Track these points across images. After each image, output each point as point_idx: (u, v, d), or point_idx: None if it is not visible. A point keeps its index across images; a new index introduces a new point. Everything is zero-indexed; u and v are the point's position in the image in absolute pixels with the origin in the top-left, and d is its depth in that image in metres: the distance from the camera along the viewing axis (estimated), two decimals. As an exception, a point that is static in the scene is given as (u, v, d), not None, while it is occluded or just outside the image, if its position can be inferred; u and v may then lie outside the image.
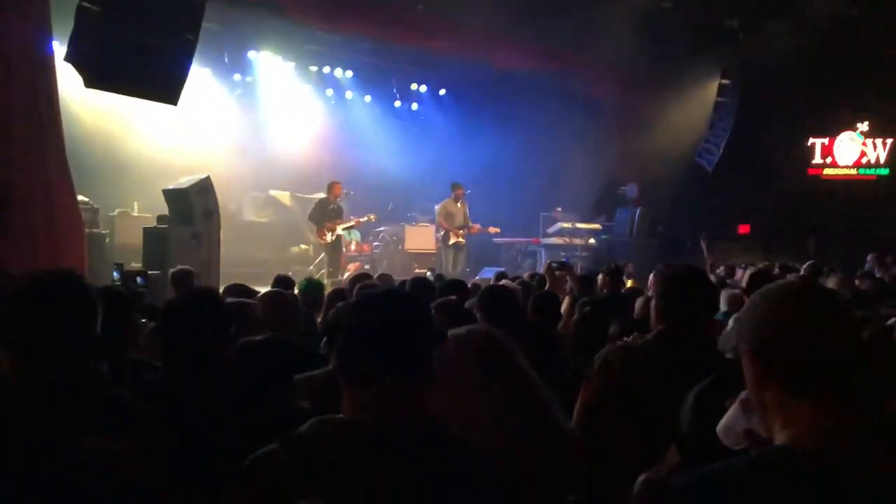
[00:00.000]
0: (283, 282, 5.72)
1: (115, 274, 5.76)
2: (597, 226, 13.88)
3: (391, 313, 1.51)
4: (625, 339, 2.99)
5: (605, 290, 7.06)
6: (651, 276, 3.88)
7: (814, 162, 15.28)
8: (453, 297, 4.31)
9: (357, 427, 1.42)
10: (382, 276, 6.52)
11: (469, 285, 5.83)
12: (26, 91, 8.10)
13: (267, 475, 1.38)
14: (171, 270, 6.10)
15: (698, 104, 13.69)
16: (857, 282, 6.69)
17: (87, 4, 7.22)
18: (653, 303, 2.70)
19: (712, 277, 8.76)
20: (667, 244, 13.93)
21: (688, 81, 13.59)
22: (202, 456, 1.99)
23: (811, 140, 15.23)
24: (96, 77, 7.64)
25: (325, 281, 9.37)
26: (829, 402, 1.24)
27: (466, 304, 4.04)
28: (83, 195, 9.62)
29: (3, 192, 7.59)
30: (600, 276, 7.49)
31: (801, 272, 7.39)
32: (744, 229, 14.67)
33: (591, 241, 13.71)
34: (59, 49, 8.12)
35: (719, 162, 13.02)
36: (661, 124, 13.79)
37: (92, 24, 7.21)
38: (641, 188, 14.37)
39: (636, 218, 13.92)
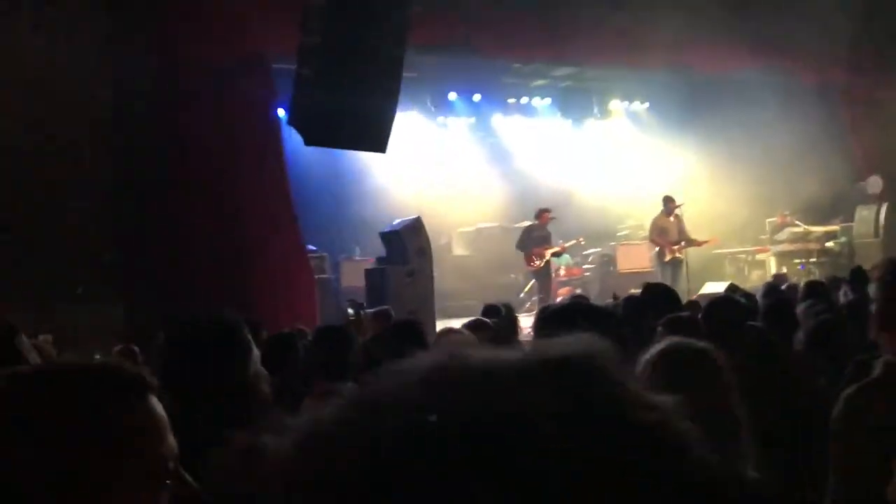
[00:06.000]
0: (490, 310, 5.80)
1: (350, 311, 6.66)
2: (834, 227, 12.48)
3: None
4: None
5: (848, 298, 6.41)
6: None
7: None
8: (686, 313, 4.15)
9: None
10: (578, 297, 6.45)
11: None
12: (255, 151, 9.13)
13: None
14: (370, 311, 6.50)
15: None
16: None
17: (302, 71, 7.97)
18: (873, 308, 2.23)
19: None
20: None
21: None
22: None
23: None
24: (314, 136, 8.38)
25: (538, 307, 9.46)
26: None
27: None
28: (312, 244, 10.57)
29: (237, 245, 8.54)
30: (843, 286, 6.80)
31: None
32: None
33: (830, 244, 12.36)
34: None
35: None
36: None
37: (307, 88, 7.93)
38: (887, 181, 12.68)
39: (882, 215, 12.31)
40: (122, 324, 7.51)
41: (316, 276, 9.84)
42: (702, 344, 1.80)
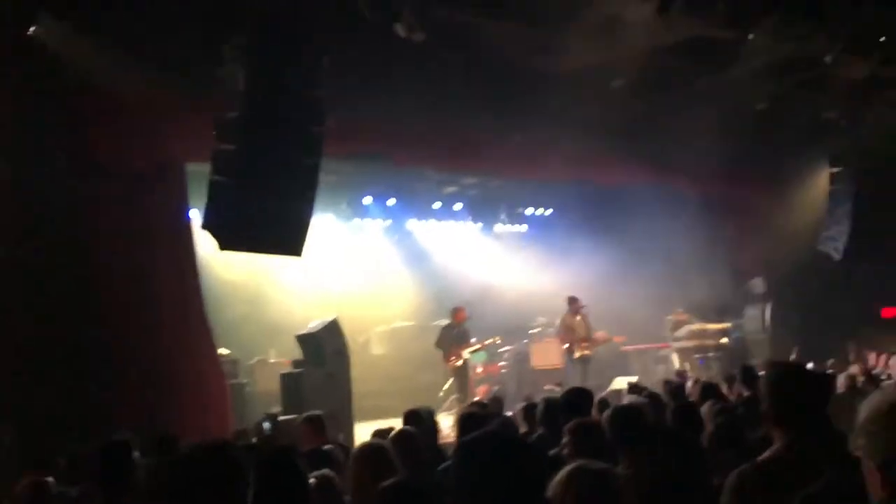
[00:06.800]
0: (412, 417, 5.80)
1: (265, 425, 5.91)
2: (726, 325, 13.36)
3: (513, 467, 1.61)
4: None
5: (743, 396, 6.76)
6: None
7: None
8: (591, 419, 4.32)
9: None
10: (494, 400, 6.59)
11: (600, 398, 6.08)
12: (168, 257, 8.99)
13: None
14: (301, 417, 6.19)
15: (814, 192, 13.18)
16: None
17: (217, 178, 7.96)
18: (763, 408, 2.56)
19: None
20: (808, 336, 13.08)
21: (798, 172, 13.17)
22: None
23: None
24: (229, 241, 8.24)
25: (457, 406, 9.65)
26: None
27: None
28: (224, 348, 10.34)
29: (146, 353, 8.26)
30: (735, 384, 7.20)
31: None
32: (888, 313, 13.38)
33: (724, 340, 13.17)
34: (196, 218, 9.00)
35: (846, 247, 12.25)
36: (778, 217, 13.34)
37: (222, 194, 7.89)
38: (769, 282, 13.77)
39: (767, 313, 13.30)
40: (17, 451, 6.89)
41: (228, 382, 9.61)
42: (601, 465, 2.05)
